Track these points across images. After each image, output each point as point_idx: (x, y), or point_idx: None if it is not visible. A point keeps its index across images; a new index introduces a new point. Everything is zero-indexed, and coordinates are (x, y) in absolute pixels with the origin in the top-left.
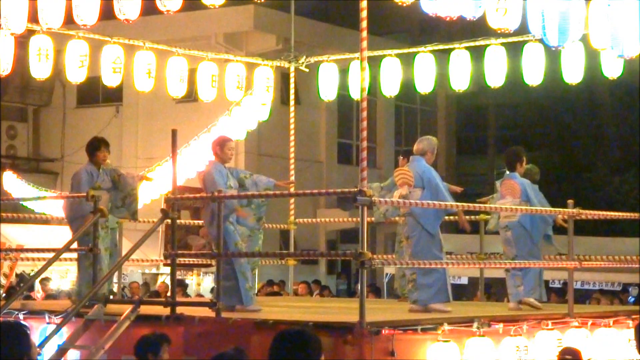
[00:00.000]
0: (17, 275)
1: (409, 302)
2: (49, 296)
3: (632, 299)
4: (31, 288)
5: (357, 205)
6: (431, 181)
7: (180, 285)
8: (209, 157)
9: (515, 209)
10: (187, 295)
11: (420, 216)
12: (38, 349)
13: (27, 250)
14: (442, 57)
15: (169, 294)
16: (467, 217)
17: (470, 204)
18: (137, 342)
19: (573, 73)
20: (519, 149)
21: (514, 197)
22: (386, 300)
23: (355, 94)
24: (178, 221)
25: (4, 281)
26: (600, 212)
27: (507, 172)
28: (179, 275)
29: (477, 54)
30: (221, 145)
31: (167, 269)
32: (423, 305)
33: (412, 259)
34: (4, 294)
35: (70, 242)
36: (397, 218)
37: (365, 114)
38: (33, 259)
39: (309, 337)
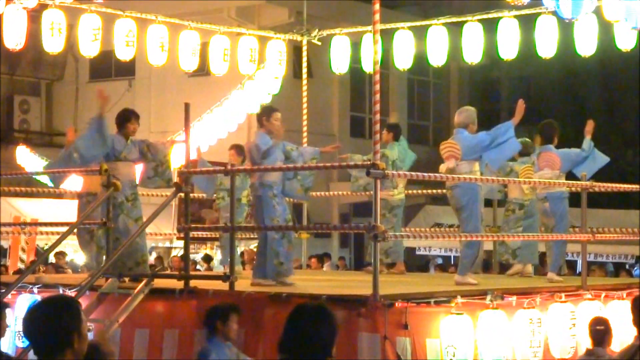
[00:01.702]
0: None
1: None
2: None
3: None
4: (45, 262)
5: (370, 178)
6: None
7: (205, 260)
8: (257, 129)
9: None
10: (211, 269)
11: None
12: (90, 325)
13: (42, 224)
14: (455, 29)
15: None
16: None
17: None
18: (207, 311)
19: (586, 45)
20: (554, 121)
21: (552, 169)
22: (400, 274)
23: (367, 67)
24: (191, 195)
25: (23, 255)
26: (614, 185)
27: (543, 145)
28: (202, 250)
29: (490, 26)
30: (267, 116)
31: (181, 243)
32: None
33: (461, 230)
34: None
35: (84, 216)
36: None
37: (378, 87)
38: (47, 233)
39: (327, 312)
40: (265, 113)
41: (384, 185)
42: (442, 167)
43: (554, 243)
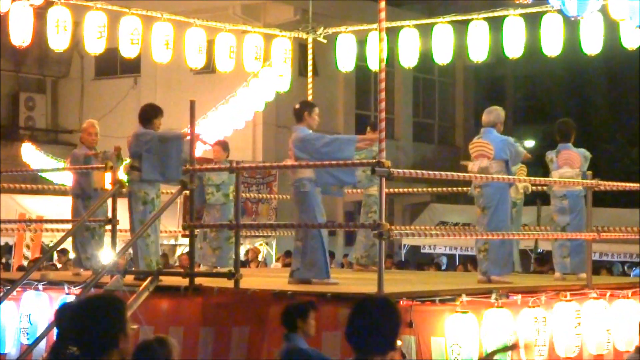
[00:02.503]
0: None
1: (479, 272)
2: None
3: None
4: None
5: (375, 176)
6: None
7: None
8: (294, 123)
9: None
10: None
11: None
12: (135, 326)
13: (47, 221)
14: (461, 28)
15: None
16: None
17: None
18: (285, 310)
19: (592, 44)
20: (570, 120)
21: (572, 167)
22: (404, 271)
23: (373, 65)
24: None
25: (27, 252)
26: (619, 184)
27: (561, 143)
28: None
29: (496, 24)
30: (309, 111)
31: (186, 240)
32: (497, 275)
33: (489, 230)
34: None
35: (89, 213)
36: (369, 189)
37: (383, 85)
38: (52, 230)
39: (391, 304)
40: (307, 108)
41: (372, 182)
42: (473, 166)
43: (577, 243)
